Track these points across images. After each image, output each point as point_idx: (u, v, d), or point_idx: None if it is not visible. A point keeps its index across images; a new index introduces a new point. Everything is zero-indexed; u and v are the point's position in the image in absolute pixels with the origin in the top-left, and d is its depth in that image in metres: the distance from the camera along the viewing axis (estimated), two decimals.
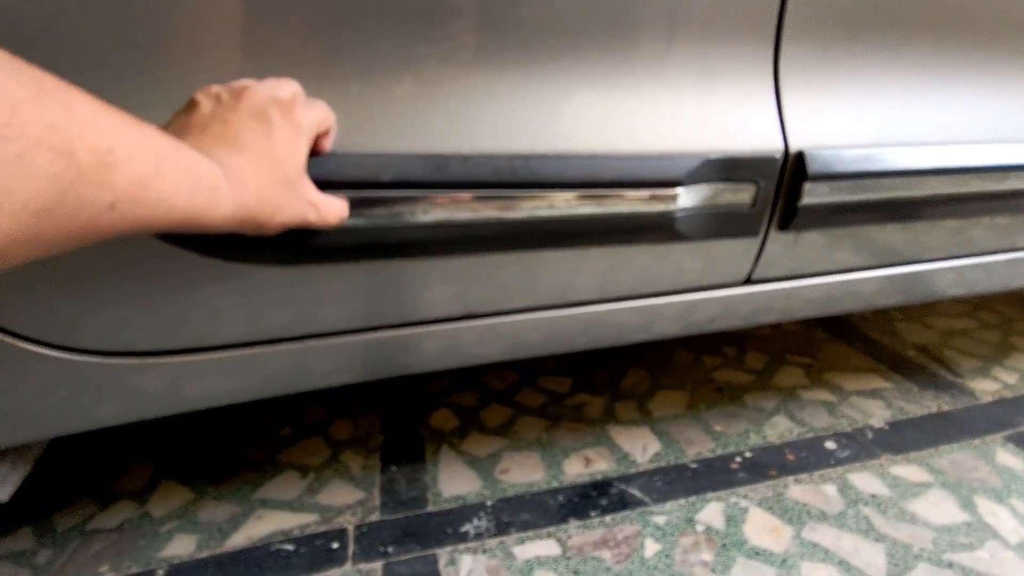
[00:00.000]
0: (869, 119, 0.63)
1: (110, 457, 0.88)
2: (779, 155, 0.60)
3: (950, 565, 0.69)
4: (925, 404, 1.00)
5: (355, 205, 0.49)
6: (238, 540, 0.73)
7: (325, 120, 0.45)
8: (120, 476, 0.84)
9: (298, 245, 0.50)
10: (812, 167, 0.60)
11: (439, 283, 0.57)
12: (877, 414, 0.97)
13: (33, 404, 0.52)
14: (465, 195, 0.51)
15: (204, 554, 0.71)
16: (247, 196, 0.39)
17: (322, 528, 0.74)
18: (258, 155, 0.40)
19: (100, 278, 0.48)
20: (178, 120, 0.40)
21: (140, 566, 0.69)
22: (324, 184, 0.47)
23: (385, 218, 0.50)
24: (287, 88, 0.43)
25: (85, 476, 0.84)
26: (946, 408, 0.99)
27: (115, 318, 0.50)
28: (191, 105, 0.41)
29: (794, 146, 0.60)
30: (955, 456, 0.87)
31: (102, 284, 0.49)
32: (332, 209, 0.46)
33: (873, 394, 1.03)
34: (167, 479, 0.83)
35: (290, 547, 0.71)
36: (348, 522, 0.75)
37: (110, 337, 0.51)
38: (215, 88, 0.41)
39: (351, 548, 0.71)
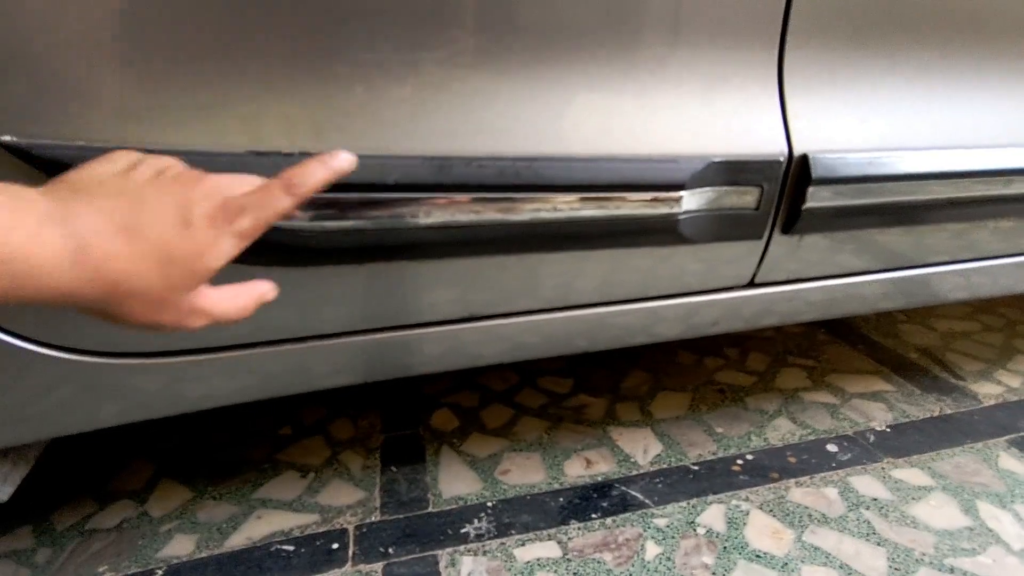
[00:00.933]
0: (873, 123, 0.63)
1: (109, 456, 0.88)
2: (783, 158, 0.59)
3: (952, 570, 0.69)
4: (927, 407, 1.00)
5: (359, 207, 0.49)
6: (238, 540, 0.73)
7: (259, 224, 0.37)
8: (119, 475, 0.84)
9: (301, 247, 0.49)
10: (816, 170, 0.59)
11: (441, 285, 0.57)
12: (879, 417, 0.97)
13: (34, 404, 0.52)
14: (469, 197, 0.51)
15: (203, 554, 0.71)
16: (102, 273, 0.32)
17: (322, 528, 0.74)
18: (150, 246, 0.33)
19: None
20: (81, 173, 0.35)
21: (139, 566, 0.69)
22: (331, 187, 0.47)
23: (389, 220, 0.50)
24: (230, 188, 0.37)
25: (84, 475, 0.84)
26: (948, 411, 0.99)
27: None
28: (104, 160, 0.36)
29: (798, 149, 0.60)
30: (957, 460, 0.87)
31: None
32: (230, 310, 0.39)
33: (875, 397, 1.03)
34: (166, 479, 0.83)
35: (290, 547, 0.71)
36: (348, 523, 0.75)
37: (110, 337, 0.51)
38: (136, 156, 0.37)
39: (351, 549, 0.71)
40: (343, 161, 0.40)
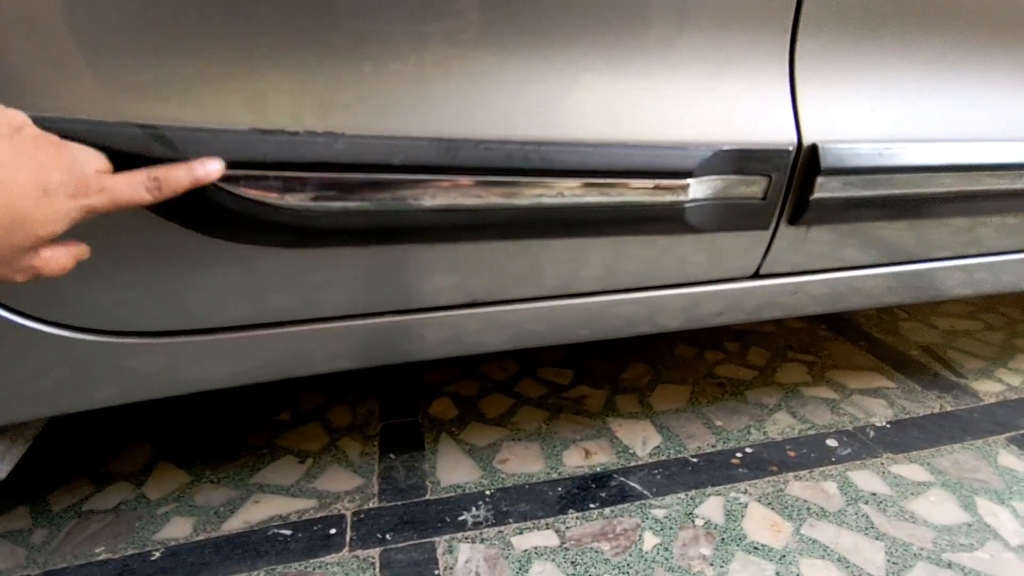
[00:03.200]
0: (884, 113, 0.62)
1: (107, 439, 0.87)
2: (792, 148, 0.59)
3: (949, 565, 0.69)
4: (928, 404, 1.00)
5: (364, 188, 0.48)
6: (235, 524, 0.72)
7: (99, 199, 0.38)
8: (117, 458, 0.84)
9: (302, 227, 0.49)
10: (825, 161, 0.59)
11: (444, 270, 0.57)
12: (879, 413, 0.97)
13: (32, 382, 0.52)
14: (476, 181, 0.50)
15: (200, 537, 0.70)
16: None
17: (320, 514, 0.74)
18: (3, 208, 0.33)
19: (101, 256, 0.48)
20: None
21: (136, 548, 0.69)
22: (333, 166, 0.46)
23: (393, 202, 0.49)
24: (87, 163, 0.37)
25: (82, 457, 0.84)
26: (949, 408, 0.99)
27: (115, 297, 0.50)
28: None
29: (807, 139, 0.59)
30: (957, 456, 0.87)
31: (103, 262, 0.48)
32: (54, 268, 0.38)
33: (876, 393, 1.03)
34: (164, 462, 0.83)
35: (287, 532, 0.71)
36: (346, 508, 0.75)
37: (110, 316, 0.51)
38: None
39: (349, 534, 0.71)
40: (209, 172, 0.42)
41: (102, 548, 0.69)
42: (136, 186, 0.39)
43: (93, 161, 0.38)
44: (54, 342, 0.50)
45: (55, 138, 0.37)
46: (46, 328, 0.50)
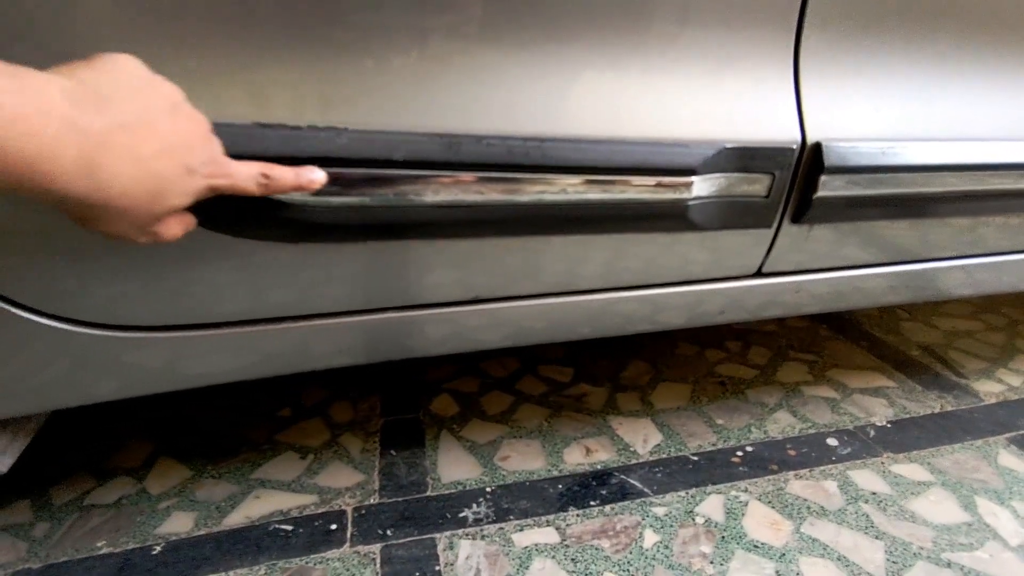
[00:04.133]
0: (887, 112, 0.62)
1: (108, 434, 0.88)
2: (796, 146, 0.59)
3: (949, 564, 0.69)
4: (928, 404, 1.00)
5: (365, 183, 0.48)
6: (236, 519, 0.73)
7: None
8: (118, 453, 0.84)
9: (304, 222, 0.49)
10: (829, 159, 0.59)
11: (445, 266, 0.57)
12: (880, 412, 0.97)
13: (33, 376, 0.52)
14: (477, 177, 0.50)
15: (202, 532, 0.71)
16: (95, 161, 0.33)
17: (321, 509, 0.74)
18: (153, 180, 0.36)
19: (103, 250, 0.48)
20: (99, 73, 0.36)
21: (137, 542, 0.69)
22: (335, 161, 0.46)
23: (394, 198, 0.49)
24: (219, 147, 0.41)
25: (83, 452, 0.84)
26: (949, 408, 0.99)
27: (117, 291, 0.50)
28: (120, 63, 0.37)
29: (811, 137, 0.59)
30: (957, 456, 0.87)
31: (105, 256, 0.48)
32: (169, 236, 0.41)
33: (876, 392, 1.03)
34: (165, 457, 0.83)
35: (288, 527, 0.71)
36: (347, 504, 0.75)
37: (111, 310, 0.51)
38: (145, 71, 0.38)
39: (349, 530, 0.71)
40: (312, 181, 0.45)
41: (103, 542, 0.69)
42: (250, 179, 0.42)
43: (219, 146, 0.41)
44: (56, 336, 0.50)
45: (203, 118, 0.40)
46: (48, 321, 0.50)
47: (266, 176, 0.42)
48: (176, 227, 0.42)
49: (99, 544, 0.69)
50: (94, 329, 0.51)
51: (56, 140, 0.31)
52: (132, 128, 0.35)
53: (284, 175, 0.43)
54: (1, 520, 0.72)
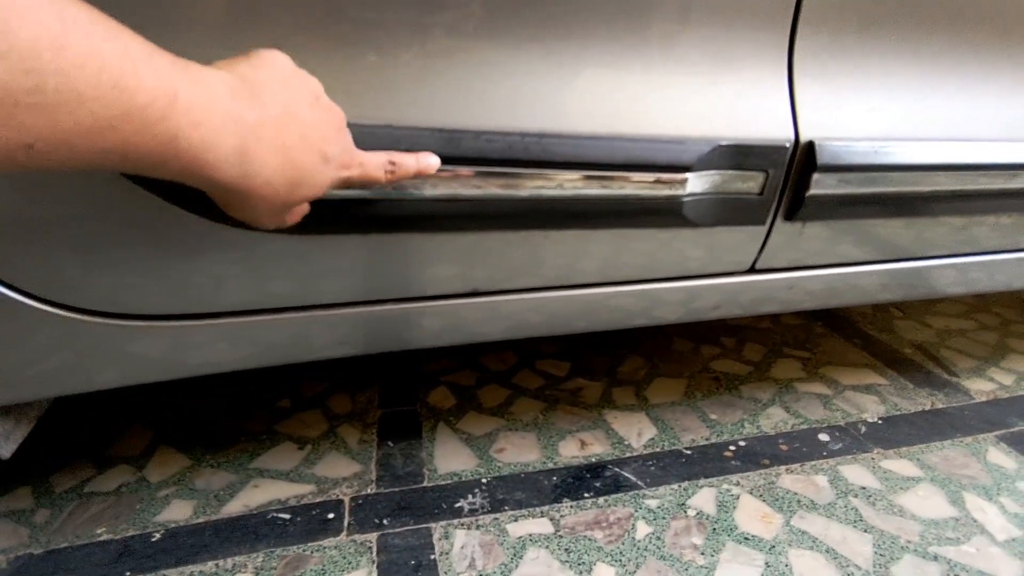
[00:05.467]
0: (881, 112, 0.63)
1: (109, 423, 0.88)
2: (789, 144, 0.60)
3: (935, 558, 0.70)
4: (919, 401, 1.01)
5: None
6: (234, 507, 0.73)
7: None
8: (118, 441, 0.85)
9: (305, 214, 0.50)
10: (821, 158, 0.60)
11: (444, 259, 0.58)
12: (871, 409, 0.98)
13: (36, 362, 0.52)
14: (477, 171, 0.51)
15: (200, 520, 0.72)
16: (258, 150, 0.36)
17: (318, 499, 0.75)
18: (294, 169, 0.38)
19: (107, 239, 0.48)
20: (257, 67, 0.38)
21: (137, 529, 0.70)
22: None
23: (394, 191, 0.50)
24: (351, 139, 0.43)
25: (83, 439, 0.85)
26: (940, 406, 1.00)
27: (120, 280, 0.50)
28: (271, 58, 0.39)
29: (804, 136, 0.60)
30: (946, 452, 0.88)
31: (109, 245, 0.49)
32: (291, 223, 0.44)
33: (868, 389, 1.04)
34: (165, 446, 0.84)
35: (286, 516, 0.72)
36: (344, 494, 0.76)
37: (114, 298, 0.51)
38: (290, 63, 0.40)
39: (346, 519, 0.72)
40: (431, 165, 0.47)
41: (103, 529, 0.70)
42: (379, 167, 0.44)
43: (350, 137, 0.43)
44: (58, 323, 0.51)
45: (339, 110, 0.42)
46: (50, 309, 0.50)
47: (392, 163, 0.45)
48: (298, 214, 0.44)
49: (99, 531, 0.70)
50: (97, 317, 0.52)
51: (218, 131, 0.33)
52: (280, 120, 0.37)
53: (407, 161, 0.45)
54: (3, 506, 0.73)
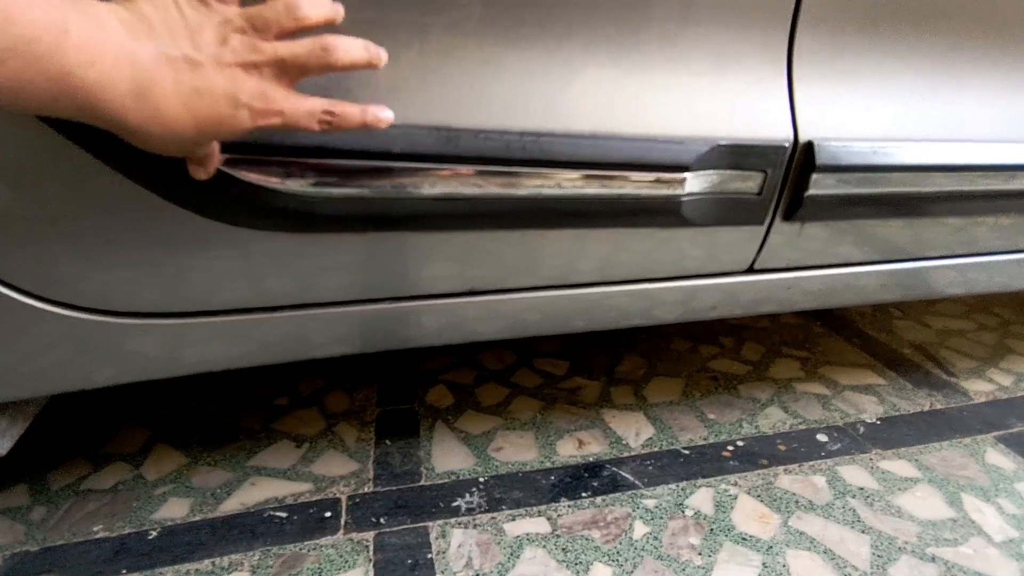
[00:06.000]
0: (880, 112, 0.63)
1: (106, 420, 0.88)
2: (788, 144, 0.59)
3: (933, 559, 0.70)
4: (918, 401, 1.01)
5: (363, 175, 0.49)
6: (231, 505, 0.73)
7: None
8: (115, 439, 0.85)
9: (303, 212, 0.49)
10: (820, 158, 0.59)
11: (442, 258, 0.57)
12: (870, 409, 0.98)
13: (33, 360, 0.52)
14: (474, 170, 0.51)
15: (197, 518, 0.72)
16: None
17: (315, 497, 0.75)
18: (204, 116, 0.37)
19: (104, 237, 0.48)
20: None
21: (133, 527, 0.70)
22: (334, 152, 0.47)
23: (392, 189, 0.50)
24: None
25: (80, 438, 0.85)
26: (939, 406, 1.00)
27: (117, 278, 0.50)
28: None
29: (803, 136, 0.60)
30: (945, 453, 0.88)
31: (106, 243, 0.48)
32: (300, 109, 0.40)
33: (867, 389, 1.04)
34: (162, 444, 0.84)
35: (283, 514, 0.72)
36: (341, 492, 0.76)
37: (111, 296, 0.51)
38: None
39: (343, 518, 0.72)
40: (379, 119, 0.43)
41: (100, 526, 0.70)
42: (309, 117, 0.40)
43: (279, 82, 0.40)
44: (55, 321, 0.51)
45: (261, 54, 0.39)
46: (48, 307, 0.50)
47: (330, 113, 0.41)
48: (215, 156, 0.43)
49: (96, 528, 0.70)
50: (94, 315, 0.52)
51: (114, 69, 0.33)
52: (182, 60, 0.36)
53: (350, 111, 0.41)
54: (0, 503, 0.73)
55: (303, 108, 0.40)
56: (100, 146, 0.44)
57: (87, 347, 0.53)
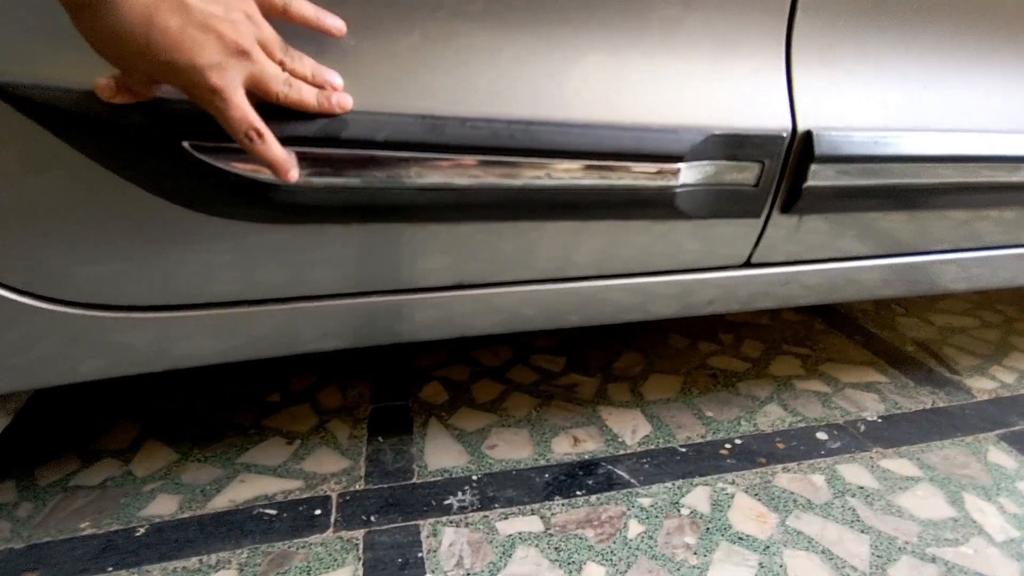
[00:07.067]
0: (881, 101, 0.61)
1: (95, 416, 0.87)
2: (786, 134, 0.58)
3: (933, 559, 0.69)
4: (920, 399, 0.99)
5: (347, 164, 0.48)
6: (220, 502, 0.72)
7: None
8: (104, 435, 0.84)
9: (289, 203, 0.48)
10: (819, 148, 0.58)
11: (433, 250, 0.56)
12: (871, 407, 0.97)
13: (16, 354, 0.51)
14: (461, 160, 0.50)
15: (186, 515, 0.71)
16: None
17: (306, 495, 0.74)
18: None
19: (91, 230, 0.47)
20: None
21: (121, 523, 0.69)
22: (317, 140, 0.46)
23: (377, 179, 0.49)
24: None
25: (69, 434, 0.84)
26: (941, 404, 0.98)
27: (103, 271, 0.49)
28: None
29: (802, 125, 0.58)
30: (946, 452, 0.87)
31: (92, 236, 0.48)
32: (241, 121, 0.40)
33: (868, 387, 1.02)
34: (151, 440, 0.83)
35: (272, 512, 0.71)
36: (332, 490, 0.75)
37: (98, 290, 0.50)
38: None
39: (334, 515, 0.71)
40: (335, 84, 0.45)
41: (87, 523, 0.69)
42: (242, 124, 0.41)
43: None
44: (39, 315, 0.50)
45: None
46: (32, 301, 0.49)
47: (256, 132, 0.41)
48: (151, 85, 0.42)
49: (82, 525, 0.69)
50: (81, 309, 0.51)
51: None
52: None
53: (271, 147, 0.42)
54: None
55: (247, 112, 0.41)
56: (88, 143, 0.43)
57: (74, 341, 0.52)
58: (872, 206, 0.65)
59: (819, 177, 0.59)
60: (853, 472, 0.82)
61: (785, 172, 0.60)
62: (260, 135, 0.41)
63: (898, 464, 0.84)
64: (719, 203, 0.59)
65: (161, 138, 0.43)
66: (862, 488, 0.79)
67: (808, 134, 0.58)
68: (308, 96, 0.44)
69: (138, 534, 0.68)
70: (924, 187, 0.65)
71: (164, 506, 0.72)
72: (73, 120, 0.42)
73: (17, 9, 0.40)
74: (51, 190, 0.45)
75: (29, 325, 0.50)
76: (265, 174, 0.46)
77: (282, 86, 0.42)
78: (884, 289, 0.78)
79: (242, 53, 0.39)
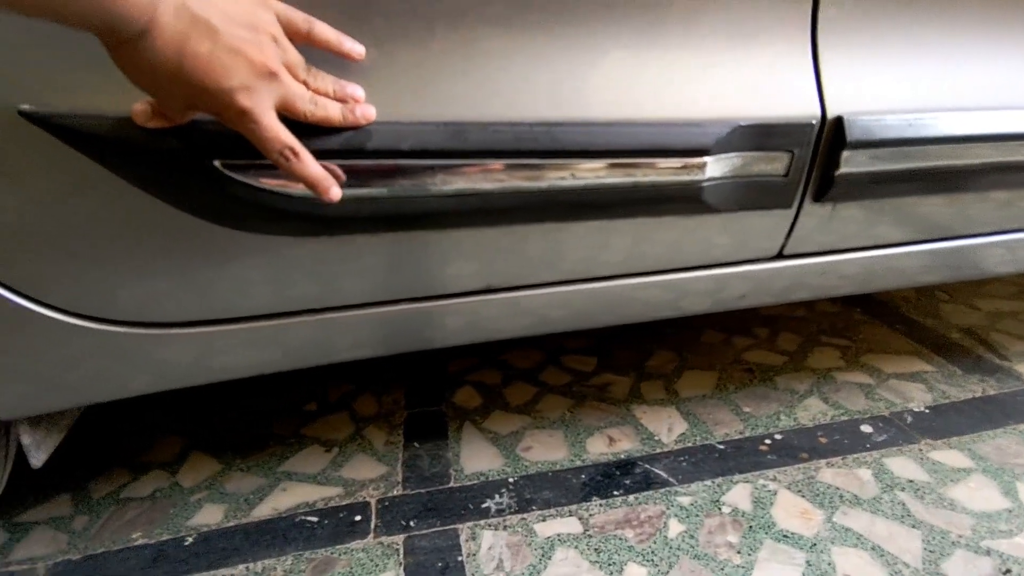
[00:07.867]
0: (913, 82, 0.59)
1: (143, 430, 0.90)
2: (816, 121, 0.57)
3: (988, 552, 0.66)
4: (969, 388, 0.96)
5: (373, 174, 0.48)
6: (264, 511, 0.74)
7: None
8: (152, 448, 0.86)
9: (317, 216, 0.49)
10: (851, 134, 0.56)
11: (460, 255, 0.57)
12: (917, 397, 0.94)
13: (66, 373, 0.53)
14: (486, 165, 0.50)
15: (231, 523, 0.72)
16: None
17: (345, 501, 0.75)
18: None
19: (131, 251, 0.49)
20: None
21: (171, 533, 0.71)
22: (340, 153, 0.47)
23: (403, 188, 0.49)
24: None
25: (119, 448, 0.87)
26: (991, 392, 0.95)
27: (146, 290, 0.51)
28: None
29: (832, 111, 0.57)
30: (999, 441, 0.83)
31: (134, 257, 0.49)
32: (276, 138, 0.41)
33: (914, 377, 0.99)
34: (196, 451, 0.85)
35: (314, 519, 0.72)
36: (371, 496, 0.76)
37: (141, 309, 0.52)
38: None
39: (373, 521, 0.72)
40: (355, 93, 0.46)
41: (139, 533, 0.71)
42: (275, 143, 0.42)
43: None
44: (87, 335, 0.52)
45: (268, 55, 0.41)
46: (79, 322, 0.51)
47: (292, 151, 0.42)
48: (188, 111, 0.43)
49: (135, 535, 0.71)
50: (126, 328, 0.53)
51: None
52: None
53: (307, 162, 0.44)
54: (44, 513, 0.75)
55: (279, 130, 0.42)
56: (126, 167, 0.45)
57: (120, 359, 0.54)
58: (909, 191, 0.63)
59: (852, 164, 0.58)
60: (901, 465, 0.79)
61: (816, 160, 0.59)
62: (296, 153, 0.42)
63: (948, 455, 0.81)
64: (748, 195, 0.58)
65: (194, 159, 0.45)
66: (911, 481, 0.76)
67: (839, 120, 0.56)
68: (334, 112, 0.44)
69: (187, 543, 0.70)
70: (962, 168, 0.63)
71: (211, 515, 0.74)
72: (111, 145, 0.44)
73: (55, 43, 0.41)
74: (93, 214, 0.46)
75: (79, 344, 0.52)
76: (297, 188, 0.47)
77: (308, 104, 0.43)
78: (926, 275, 0.75)
79: (270, 75, 0.40)
